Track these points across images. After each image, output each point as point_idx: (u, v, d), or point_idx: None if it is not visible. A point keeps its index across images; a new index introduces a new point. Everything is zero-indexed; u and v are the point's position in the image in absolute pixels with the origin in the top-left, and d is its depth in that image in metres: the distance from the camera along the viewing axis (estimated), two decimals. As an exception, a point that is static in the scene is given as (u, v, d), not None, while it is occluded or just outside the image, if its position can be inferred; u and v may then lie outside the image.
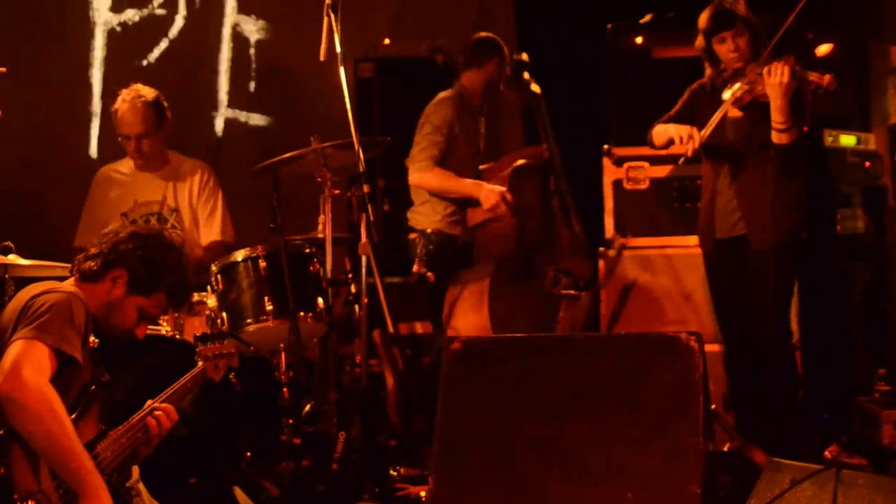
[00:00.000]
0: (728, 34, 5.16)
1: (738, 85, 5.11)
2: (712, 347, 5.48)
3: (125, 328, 3.87)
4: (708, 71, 5.34)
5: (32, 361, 3.42)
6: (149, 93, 5.68)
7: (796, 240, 5.23)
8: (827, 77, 4.89)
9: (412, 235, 6.20)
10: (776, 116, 5.00)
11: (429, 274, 5.93)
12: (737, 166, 5.24)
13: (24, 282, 3.89)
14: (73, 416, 3.51)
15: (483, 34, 6.39)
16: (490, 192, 5.94)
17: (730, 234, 5.30)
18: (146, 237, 3.89)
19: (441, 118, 6.10)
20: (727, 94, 5.14)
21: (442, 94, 6.22)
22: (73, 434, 3.42)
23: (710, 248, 5.40)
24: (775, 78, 4.93)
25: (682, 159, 5.25)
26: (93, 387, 3.68)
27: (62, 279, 3.88)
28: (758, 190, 5.15)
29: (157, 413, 3.76)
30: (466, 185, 6.04)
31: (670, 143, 5.36)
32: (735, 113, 5.18)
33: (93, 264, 3.80)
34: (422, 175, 6.07)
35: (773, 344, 5.22)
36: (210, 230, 5.80)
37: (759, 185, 5.15)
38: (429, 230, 6.12)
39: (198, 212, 5.80)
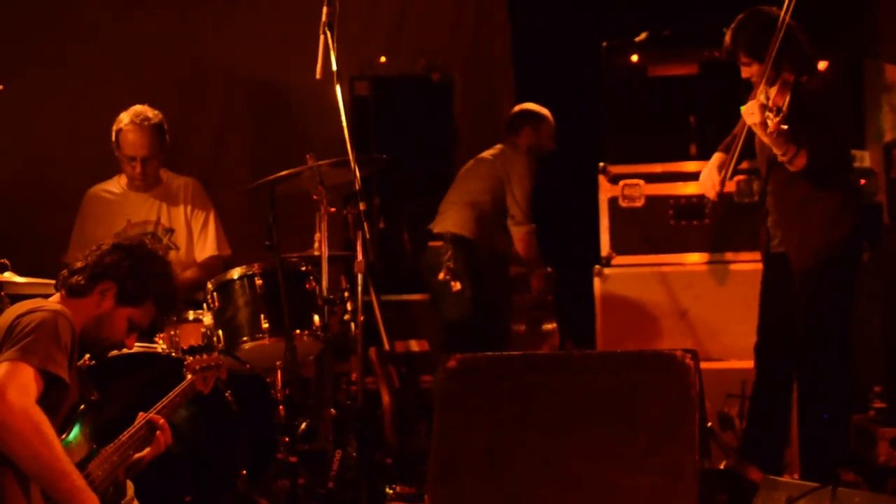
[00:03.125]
0: (738, 64, 5.08)
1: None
2: (708, 365, 5.47)
3: (116, 340, 3.85)
4: None
5: (18, 383, 3.38)
6: (154, 115, 5.67)
7: (837, 258, 5.02)
8: (771, 125, 4.66)
9: (437, 243, 6.29)
10: (773, 150, 4.87)
11: (454, 283, 6.06)
12: (777, 184, 5.09)
13: (19, 299, 3.88)
14: (62, 436, 3.50)
15: (518, 108, 6.78)
16: None
17: (778, 249, 5.17)
18: (131, 248, 3.87)
19: None
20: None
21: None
22: (62, 454, 3.40)
23: (765, 260, 5.28)
24: (749, 119, 4.81)
25: (708, 204, 5.23)
26: (82, 406, 3.67)
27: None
28: (792, 209, 5.04)
29: (161, 423, 3.77)
30: None
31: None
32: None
33: (80, 279, 3.78)
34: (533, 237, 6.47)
35: (815, 362, 5.06)
36: (204, 246, 5.79)
37: (792, 204, 5.03)
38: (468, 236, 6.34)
39: (193, 229, 5.80)
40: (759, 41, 4.96)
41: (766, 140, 4.83)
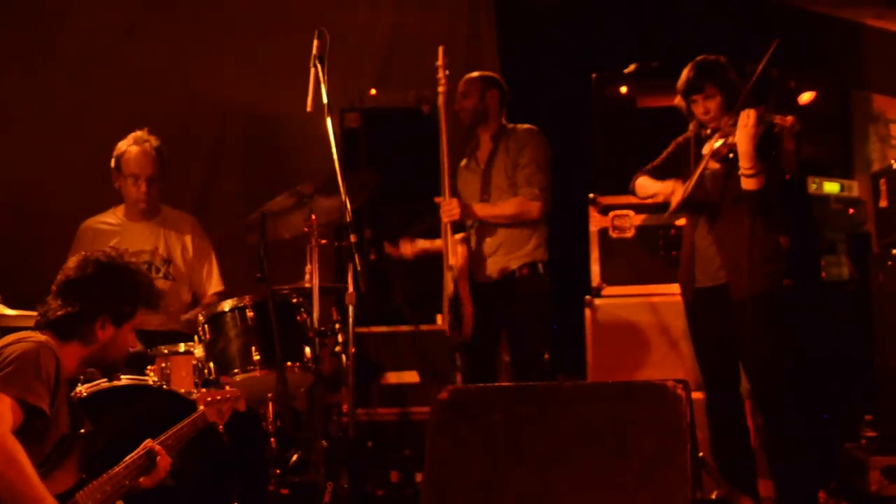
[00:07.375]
0: (699, 97, 5.23)
1: (716, 138, 5.16)
2: (699, 395, 5.48)
3: (125, 353, 3.91)
4: (691, 125, 5.40)
5: None
6: (154, 139, 5.69)
7: (777, 288, 5.23)
8: (789, 118, 4.95)
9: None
10: (743, 162, 5.02)
11: None
12: (715, 217, 5.27)
13: (8, 331, 3.88)
14: (44, 467, 3.50)
15: None
16: None
17: (710, 283, 5.31)
18: (106, 275, 3.85)
19: None
20: (706, 149, 5.19)
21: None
22: (36, 482, 3.40)
23: (691, 297, 5.42)
24: (742, 121, 4.97)
25: (667, 214, 5.35)
26: (72, 437, 3.67)
27: None
28: (735, 240, 5.17)
29: (158, 449, 3.77)
30: None
31: (655, 196, 5.45)
32: (714, 166, 5.21)
33: (73, 324, 3.76)
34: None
35: (769, 395, 5.19)
36: (211, 282, 5.84)
37: (737, 235, 5.16)
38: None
39: (195, 265, 5.80)
40: (728, 75, 5.21)
41: (746, 147, 4.98)
